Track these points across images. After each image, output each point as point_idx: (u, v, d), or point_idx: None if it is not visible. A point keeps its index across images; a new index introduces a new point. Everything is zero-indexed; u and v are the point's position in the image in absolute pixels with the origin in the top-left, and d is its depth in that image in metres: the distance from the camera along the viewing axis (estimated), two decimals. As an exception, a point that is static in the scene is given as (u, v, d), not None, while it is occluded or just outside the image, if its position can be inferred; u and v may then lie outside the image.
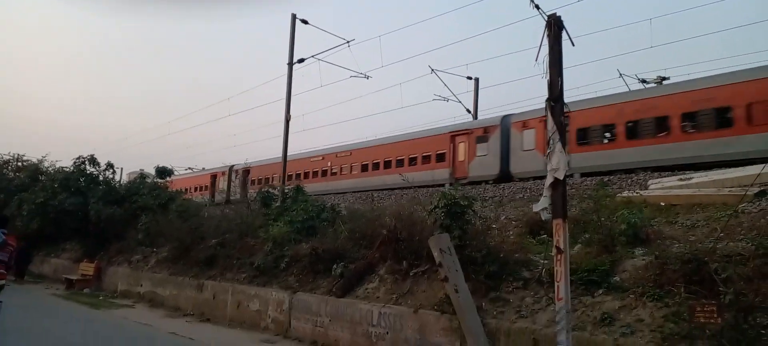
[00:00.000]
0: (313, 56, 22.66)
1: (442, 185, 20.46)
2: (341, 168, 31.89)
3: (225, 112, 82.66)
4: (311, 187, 26.23)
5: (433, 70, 29.87)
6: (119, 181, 30.75)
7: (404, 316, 10.22)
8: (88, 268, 23.34)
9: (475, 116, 31.12)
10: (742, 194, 10.73)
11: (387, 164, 28.65)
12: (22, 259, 23.17)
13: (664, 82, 22.51)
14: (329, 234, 14.14)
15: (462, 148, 24.99)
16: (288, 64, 22.27)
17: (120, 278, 21.66)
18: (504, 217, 14.52)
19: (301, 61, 22.51)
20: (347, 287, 12.04)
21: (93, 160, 26.57)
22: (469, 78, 32.27)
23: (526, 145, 21.69)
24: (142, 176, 28.65)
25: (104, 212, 23.21)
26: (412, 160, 27.16)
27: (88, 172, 26.34)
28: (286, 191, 19.78)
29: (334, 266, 12.68)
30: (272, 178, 33.40)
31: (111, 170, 27.34)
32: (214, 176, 43.75)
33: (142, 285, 19.88)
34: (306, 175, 32.78)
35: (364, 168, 30.18)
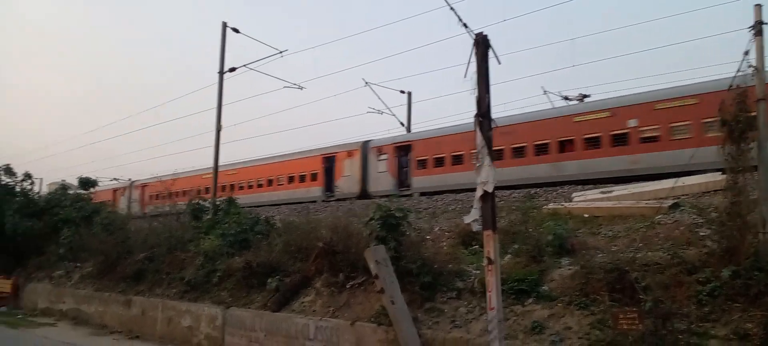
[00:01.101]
0: (244, 65, 22.38)
1: None
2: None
3: (154, 121, 79.80)
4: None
5: (367, 83, 30.11)
6: (39, 192, 29.18)
7: (341, 329, 10.24)
8: (4, 285, 22.01)
9: (408, 130, 31.45)
10: (658, 206, 11.42)
11: (619, 140, 18.07)
12: None
13: (585, 100, 23.19)
14: (263, 247, 13.94)
15: None
16: (219, 73, 21.91)
17: (40, 295, 20.53)
18: (437, 228, 14.79)
19: (232, 70, 22.18)
20: (282, 301, 11.93)
21: (9, 171, 25.21)
22: (402, 92, 32.75)
23: None
24: (64, 187, 27.30)
25: (21, 225, 22.01)
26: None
27: (3, 182, 24.91)
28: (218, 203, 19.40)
29: (269, 279, 12.52)
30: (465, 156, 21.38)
31: (29, 181, 25.96)
32: (329, 159, 28.97)
33: (64, 302, 18.92)
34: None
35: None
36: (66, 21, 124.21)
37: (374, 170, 26.97)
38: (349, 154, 27.95)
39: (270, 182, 31.06)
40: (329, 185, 28.44)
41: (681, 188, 12.39)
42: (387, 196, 13.70)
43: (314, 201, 26.22)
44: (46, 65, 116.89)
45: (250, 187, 32.26)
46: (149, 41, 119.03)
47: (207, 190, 27.89)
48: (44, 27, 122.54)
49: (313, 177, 28.95)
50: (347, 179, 27.83)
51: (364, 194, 25.99)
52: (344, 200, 23.42)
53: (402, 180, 25.68)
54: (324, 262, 11.86)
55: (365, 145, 27.87)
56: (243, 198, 24.97)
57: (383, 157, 26.76)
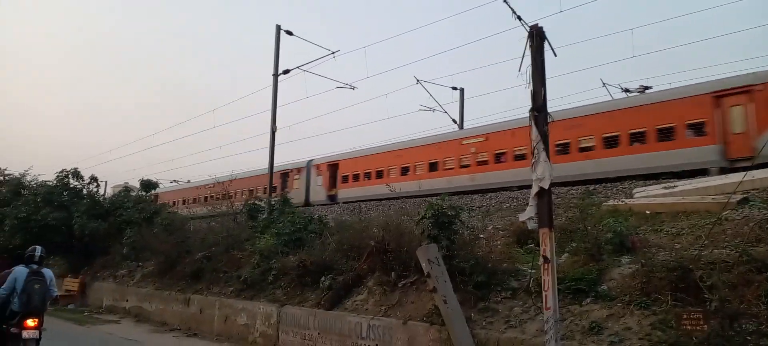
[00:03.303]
0: (298, 67, 22.67)
1: None
2: None
3: (210, 124, 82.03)
4: None
5: (418, 80, 29.82)
6: (104, 195, 30.44)
7: (393, 328, 10.18)
8: (72, 283, 23.08)
9: (461, 126, 31.09)
10: (725, 202, 10.85)
11: None
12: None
13: (647, 91, 22.59)
14: (317, 246, 14.04)
15: None
16: (273, 75, 22.29)
17: (105, 293, 21.39)
18: (491, 226, 14.56)
19: (286, 72, 22.51)
20: (336, 299, 11.98)
21: (76, 174, 26.27)
22: (455, 88, 32.28)
23: None
24: (127, 189, 28.38)
25: (88, 226, 22.96)
26: None
27: (71, 186, 26.05)
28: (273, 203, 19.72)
29: (322, 278, 12.62)
30: None
31: (95, 184, 27.10)
32: None
33: (127, 300, 19.65)
34: None
35: None
36: (124, 33, 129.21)
37: None
38: None
39: None
40: None
41: (751, 181, 11.74)
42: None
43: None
44: (106, 76, 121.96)
45: None
46: (205, 47, 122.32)
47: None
48: (102, 39, 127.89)
49: None
50: None
51: None
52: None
53: None
54: (376, 261, 11.84)
55: None
56: None
57: None
